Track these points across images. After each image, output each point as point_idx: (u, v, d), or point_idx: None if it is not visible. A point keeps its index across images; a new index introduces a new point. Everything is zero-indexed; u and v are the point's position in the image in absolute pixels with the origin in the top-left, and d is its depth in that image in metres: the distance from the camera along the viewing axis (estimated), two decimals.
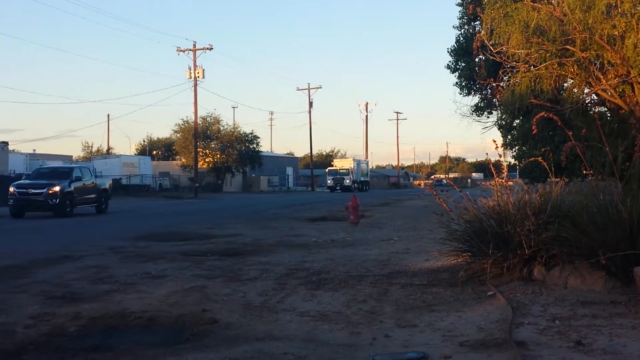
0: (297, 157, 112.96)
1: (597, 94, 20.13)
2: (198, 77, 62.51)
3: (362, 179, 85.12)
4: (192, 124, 67.02)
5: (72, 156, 77.91)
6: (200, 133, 70.04)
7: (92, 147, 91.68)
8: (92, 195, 30.77)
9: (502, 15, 19.27)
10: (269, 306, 7.77)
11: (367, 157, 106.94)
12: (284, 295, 8.41)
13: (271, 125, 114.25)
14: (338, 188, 77.51)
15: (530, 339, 5.79)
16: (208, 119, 76.67)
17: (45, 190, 26.95)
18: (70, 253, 13.37)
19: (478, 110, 29.70)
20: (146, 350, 6.07)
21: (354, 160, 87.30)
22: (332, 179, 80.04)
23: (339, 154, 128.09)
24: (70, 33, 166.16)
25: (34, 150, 72.93)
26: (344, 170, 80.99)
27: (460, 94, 30.07)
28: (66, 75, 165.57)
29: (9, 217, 26.54)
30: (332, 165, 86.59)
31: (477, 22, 26.15)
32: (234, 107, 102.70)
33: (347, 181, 78.86)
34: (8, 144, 56.88)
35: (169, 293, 8.71)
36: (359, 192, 70.96)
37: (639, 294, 6.73)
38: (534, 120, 10.30)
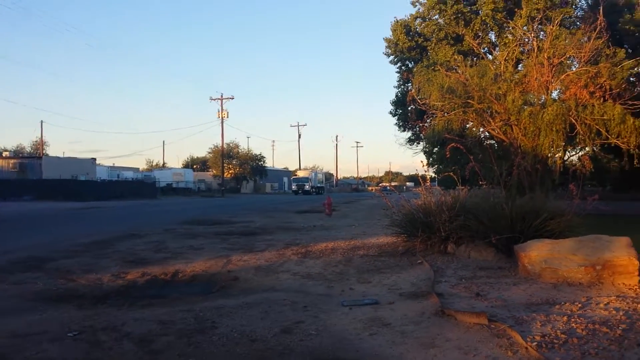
0: (290, 170, 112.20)
1: (488, 132, 20.30)
2: (224, 117, 62.42)
3: (318, 185, 78.10)
4: (220, 148, 66.76)
5: (139, 168, 77.24)
6: (226, 154, 69.75)
7: (152, 162, 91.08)
8: None
9: (426, 79, 19.44)
10: (273, 269, 7.71)
11: (337, 172, 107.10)
12: (283, 261, 8.34)
13: (273, 148, 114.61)
14: (300, 192, 71.26)
15: (446, 291, 5.78)
16: (231, 144, 76.47)
17: None
18: (138, 232, 13.22)
19: (410, 141, 29.95)
20: (189, 297, 6.01)
21: (311, 171, 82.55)
22: (296, 185, 73.51)
23: (318, 168, 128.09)
24: (139, 88, 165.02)
25: (113, 164, 72.25)
26: (304, 179, 74.33)
27: (399, 130, 30.39)
28: (137, 113, 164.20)
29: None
30: (296, 175, 79.20)
31: (409, 84, 26.34)
32: (248, 137, 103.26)
33: (307, 187, 72.23)
34: (96, 159, 56.48)
35: (205, 259, 8.63)
36: (316, 195, 66.86)
37: (517, 263, 6.76)
38: (447, 148, 10.42)
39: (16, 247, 10.00)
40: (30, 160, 51.39)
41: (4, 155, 52.54)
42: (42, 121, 67.02)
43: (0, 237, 12.76)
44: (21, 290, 6.24)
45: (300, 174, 79.02)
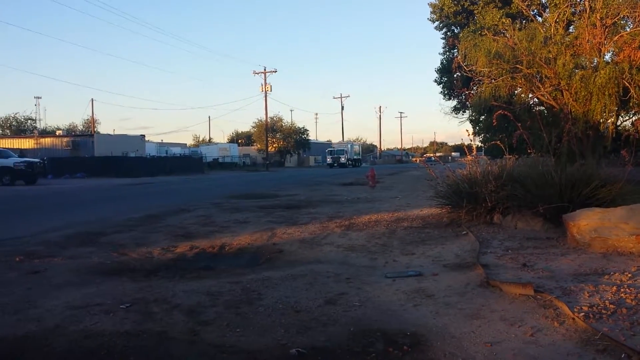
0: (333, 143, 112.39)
1: (537, 98, 19.68)
2: (267, 91, 62.63)
3: (354, 157, 75.34)
4: (264, 122, 67.23)
5: (186, 144, 78.74)
6: (269, 128, 70.16)
7: (199, 138, 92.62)
8: None
9: (472, 45, 18.90)
10: (316, 241, 7.80)
11: (380, 144, 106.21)
12: (326, 234, 8.42)
13: (316, 121, 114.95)
14: (335, 165, 68.27)
15: (491, 262, 5.73)
16: (274, 118, 76.77)
17: None
18: (186, 207, 13.56)
19: (456, 110, 29.37)
20: (236, 269, 6.17)
21: (348, 142, 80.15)
22: (331, 157, 70.36)
23: (360, 140, 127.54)
24: (185, 64, 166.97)
25: (162, 140, 73.97)
26: (340, 150, 71.46)
27: (444, 99, 29.84)
28: (183, 89, 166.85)
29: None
30: (332, 147, 76.67)
31: (455, 50, 25.69)
32: (291, 110, 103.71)
33: (343, 159, 69.24)
34: (145, 136, 57.87)
35: (250, 232, 8.80)
36: (353, 167, 65.32)
37: (565, 233, 6.62)
38: (495, 116, 10.15)
39: (70, 223, 10.43)
40: (83, 138, 53.06)
41: (57, 134, 54.48)
42: (92, 99, 69.15)
43: (55, 214, 13.34)
44: (76, 264, 6.53)
45: (336, 146, 76.48)
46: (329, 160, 71.07)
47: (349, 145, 76.01)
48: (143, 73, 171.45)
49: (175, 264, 6.63)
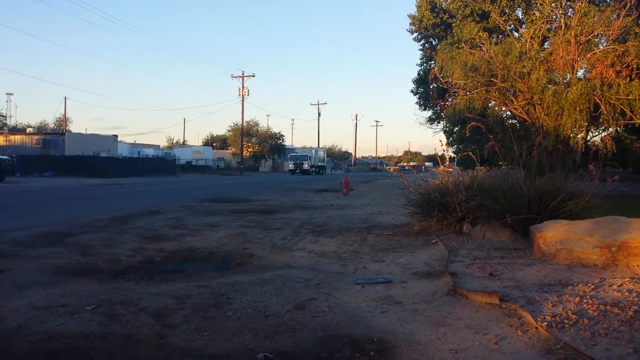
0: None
1: (511, 111, 20.08)
2: (245, 95, 62.55)
3: (319, 164, 69.94)
4: (240, 126, 67.02)
5: (159, 145, 77.93)
6: (245, 132, 69.93)
7: (173, 140, 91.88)
8: None
9: (449, 57, 19.23)
10: (288, 246, 7.81)
11: (355, 151, 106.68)
12: (298, 239, 8.44)
13: (292, 127, 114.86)
14: (298, 171, 62.98)
15: (459, 271, 5.81)
16: (251, 123, 76.52)
17: None
18: (157, 209, 13.44)
19: (431, 120, 29.78)
20: (206, 273, 6.12)
21: (312, 148, 74.09)
22: (293, 164, 64.85)
23: (337, 148, 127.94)
24: (162, 65, 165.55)
25: (135, 141, 73.06)
26: (303, 156, 66.02)
27: (419, 109, 30.31)
28: (159, 90, 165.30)
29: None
30: (294, 152, 71.22)
31: (432, 62, 26.06)
32: (268, 115, 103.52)
33: (306, 165, 63.85)
34: (117, 136, 57.09)
35: (221, 236, 8.76)
36: (316, 175, 61.18)
37: (532, 244, 6.75)
38: (468, 127, 10.29)
39: (38, 223, 10.25)
40: (53, 136, 52.10)
41: (27, 132, 53.42)
42: (65, 97, 67.93)
43: (22, 212, 13.08)
44: (42, 264, 6.42)
45: (299, 150, 71.82)
46: (290, 166, 65.92)
47: (313, 151, 70.83)
48: (118, 73, 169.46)
49: (144, 266, 6.56)
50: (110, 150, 51.76)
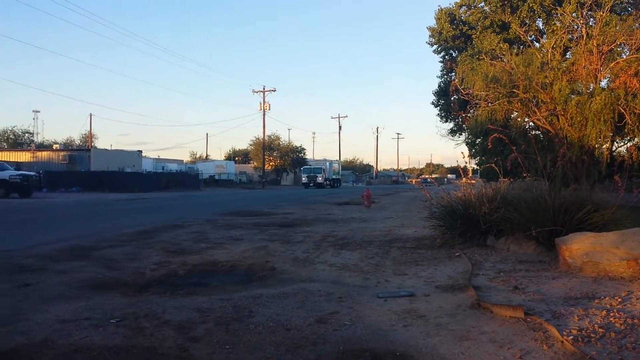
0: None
1: (533, 122, 19.86)
2: (266, 109, 63.07)
3: (333, 177, 68.29)
4: (262, 140, 67.48)
5: (182, 160, 78.85)
6: (267, 146, 70.38)
7: (196, 154, 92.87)
8: None
9: (470, 69, 19.13)
10: (310, 260, 7.80)
11: (377, 164, 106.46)
12: (320, 252, 8.43)
13: (313, 140, 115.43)
14: (311, 184, 61.20)
15: (483, 284, 5.75)
16: (272, 137, 77.10)
17: None
18: (181, 223, 13.56)
19: (452, 132, 29.64)
20: (229, 286, 6.14)
21: (326, 160, 71.74)
22: (307, 177, 62.96)
23: (358, 161, 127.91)
24: (185, 81, 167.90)
25: (158, 156, 74.05)
26: (317, 169, 64.14)
27: (441, 121, 30.15)
28: (181, 108, 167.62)
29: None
30: (308, 164, 69.51)
31: (453, 74, 26.01)
32: (289, 129, 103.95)
33: (320, 179, 62.26)
34: (142, 152, 57.98)
35: (244, 250, 8.79)
36: (331, 188, 59.48)
37: (557, 256, 6.65)
38: (490, 139, 10.26)
39: (63, 237, 10.40)
40: (79, 152, 53.13)
41: (54, 148, 54.53)
42: (90, 114, 68.88)
43: (49, 227, 13.30)
44: (67, 278, 6.51)
45: (313, 163, 69.38)
46: (304, 179, 63.72)
47: (327, 163, 68.73)
48: (142, 89, 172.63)
49: (167, 279, 6.61)
50: (135, 166, 52.54)
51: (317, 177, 62.56)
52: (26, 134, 73.13)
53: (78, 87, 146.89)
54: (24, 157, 50.33)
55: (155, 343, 3.97)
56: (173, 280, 6.56)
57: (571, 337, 3.78)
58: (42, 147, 60.52)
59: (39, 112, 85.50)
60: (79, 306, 5.07)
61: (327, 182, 63.97)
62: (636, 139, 18.09)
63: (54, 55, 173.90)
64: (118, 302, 5.27)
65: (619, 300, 4.79)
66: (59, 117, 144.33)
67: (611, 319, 4.20)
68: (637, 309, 4.51)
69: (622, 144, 19.53)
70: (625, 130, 16.93)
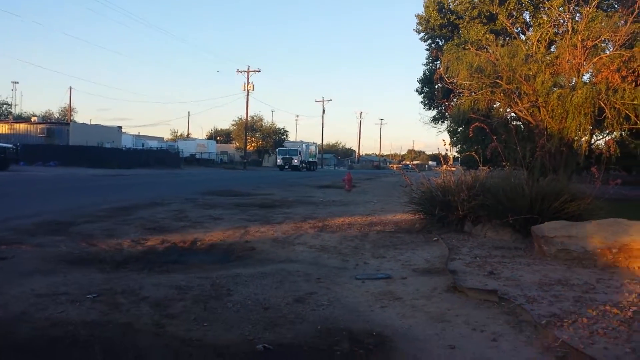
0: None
1: (515, 113, 20.00)
2: (250, 90, 62.58)
3: (310, 159, 65.73)
4: (244, 120, 67.04)
5: (163, 138, 78.03)
6: (249, 127, 69.95)
7: (177, 132, 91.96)
8: None
9: (455, 58, 19.15)
10: (289, 241, 7.81)
11: (359, 149, 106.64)
12: (299, 234, 8.44)
13: (296, 123, 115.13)
14: (287, 167, 59.19)
15: (459, 269, 5.82)
16: (255, 117, 76.70)
17: None
18: (160, 201, 13.47)
19: (435, 120, 29.73)
20: (207, 265, 6.15)
21: (302, 142, 69.79)
22: (282, 159, 60.72)
23: (340, 145, 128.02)
24: (168, 58, 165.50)
25: (139, 133, 73.15)
26: (293, 151, 62.05)
27: (424, 108, 30.20)
28: (164, 83, 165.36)
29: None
30: (283, 146, 67.49)
31: (438, 62, 25.99)
32: (272, 111, 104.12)
33: (295, 161, 59.90)
34: (122, 128, 57.29)
35: (223, 229, 8.77)
36: (307, 171, 57.55)
37: (533, 244, 6.76)
38: (471, 128, 10.30)
39: (40, 211, 10.28)
40: (58, 126, 52.28)
41: (32, 121, 53.62)
42: (70, 87, 68.26)
43: (26, 201, 13.12)
44: (44, 252, 6.45)
45: (289, 145, 67.23)
46: (279, 161, 61.43)
47: (304, 146, 66.27)
48: (125, 64, 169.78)
49: (145, 257, 6.58)
50: (115, 142, 51.91)
51: (292, 159, 60.37)
52: (4, 105, 71.60)
53: (59, 59, 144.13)
54: (1, 129, 49.35)
55: (132, 319, 3.96)
56: (151, 258, 6.54)
57: (544, 321, 3.86)
58: (20, 119, 59.44)
59: (17, 83, 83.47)
60: (56, 281, 5.03)
61: (303, 165, 61.94)
62: (615, 133, 18.36)
63: (35, 25, 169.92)
64: (95, 277, 5.23)
65: (592, 287, 4.90)
66: (38, 89, 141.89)
67: (583, 305, 4.30)
68: (609, 296, 4.61)
69: (601, 137, 19.81)
70: (605, 124, 17.16)
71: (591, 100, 16.18)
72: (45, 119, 62.10)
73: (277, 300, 4.50)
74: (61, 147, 44.33)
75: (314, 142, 74.75)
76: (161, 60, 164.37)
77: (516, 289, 4.88)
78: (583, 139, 18.22)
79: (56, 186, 19.10)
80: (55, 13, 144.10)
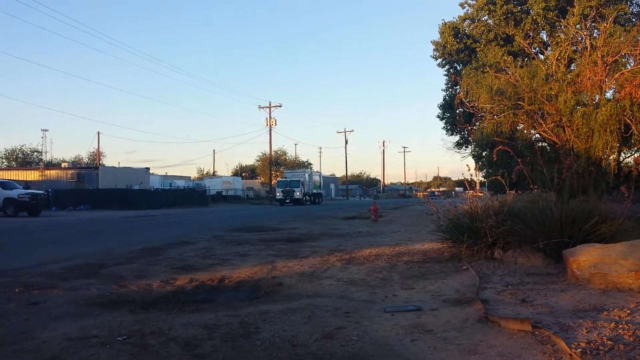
0: (337, 177, 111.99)
1: (539, 134, 19.83)
2: (272, 124, 63.22)
3: (314, 191, 57.01)
4: (268, 155, 67.62)
5: (190, 177, 79.10)
6: (273, 161, 70.48)
7: (203, 170, 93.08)
8: None
9: (474, 82, 19.17)
10: (316, 275, 7.77)
11: (383, 178, 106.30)
12: (326, 267, 8.40)
13: (320, 155, 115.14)
14: (288, 201, 50.69)
15: (491, 298, 5.71)
16: (279, 152, 77.43)
17: None
18: (188, 239, 13.58)
19: (459, 145, 29.60)
20: (235, 302, 6.14)
21: (305, 171, 62.09)
22: (282, 191, 51.82)
23: (365, 175, 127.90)
24: (191, 98, 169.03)
25: (166, 173, 74.26)
26: (295, 182, 52.75)
27: (447, 134, 30.15)
28: (188, 123, 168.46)
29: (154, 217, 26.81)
30: (284, 177, 58.21)
31: (457, 87, 26.01)
32: (295, 144, 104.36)
33: (298, 194, 51.46)
34: (149, 169, 58.22)
35: (250, 266, 8.79)
36: (312, 205, 50.97)
37: (565, 269, 6.60)
38: (495, 151, 10.22)
39: (72, 255, 10.45)
40: (87, 170, 53.37)
41: (62, 166, 54.85)
42: (98, 132, 69.18)
43: (57, 246, 13.35)
44: (75, 295, 6.53)
45: (288, 175, 57.82)
46: (278, 194, 52.68)
47: (307, 175, 57.48)
48: (149, 107, 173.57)
49: (174, 296, 6.62)
50: (143, 183, 52.68)
51: (294, 191, 51.91)
52: (35, 153, 73.62)
53: (86, 106, 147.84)
54: (32, 175, 50.64)
55: None
56: (180, 297, 6.57)
57: (579, 349, 3.74)
58: (50, 165, 60.88)
59: (47, 130, 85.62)
60: (87, 324, 5.08)
61: (307, 198, 53.75)
62: None
63: (63, 74, 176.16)
64: (125, 319, 5.27)
65: (628, 312, 4.74)
66: (67, 136, 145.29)
67: (620, 331, 4.16)
68: None
69: (629, 154, 19.44)
70: (632, 140, 16.87)
71: (616, 117, 15.96)
72: (75, 164, 63.50)
73: (305, 337, 4.46)
74: (91, 191, 45.18)
75: (317, 172, 66.81)
76: (185, 101, 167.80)
77: (550, 316, 4.75)
78: (611, 157, 17.89)
79: (87, 229, 19.44)
80: (82, 60, 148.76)
